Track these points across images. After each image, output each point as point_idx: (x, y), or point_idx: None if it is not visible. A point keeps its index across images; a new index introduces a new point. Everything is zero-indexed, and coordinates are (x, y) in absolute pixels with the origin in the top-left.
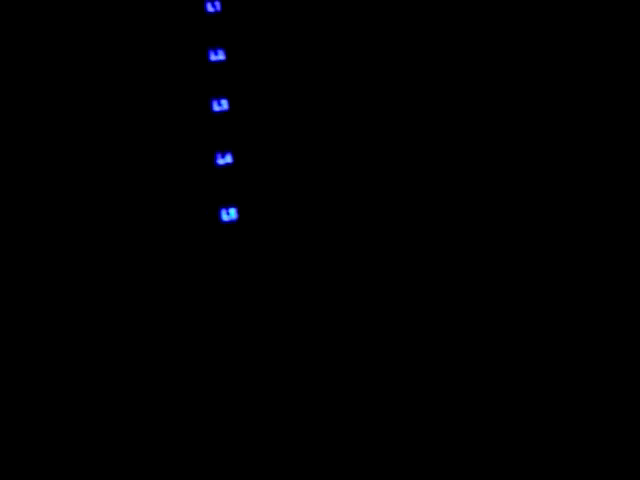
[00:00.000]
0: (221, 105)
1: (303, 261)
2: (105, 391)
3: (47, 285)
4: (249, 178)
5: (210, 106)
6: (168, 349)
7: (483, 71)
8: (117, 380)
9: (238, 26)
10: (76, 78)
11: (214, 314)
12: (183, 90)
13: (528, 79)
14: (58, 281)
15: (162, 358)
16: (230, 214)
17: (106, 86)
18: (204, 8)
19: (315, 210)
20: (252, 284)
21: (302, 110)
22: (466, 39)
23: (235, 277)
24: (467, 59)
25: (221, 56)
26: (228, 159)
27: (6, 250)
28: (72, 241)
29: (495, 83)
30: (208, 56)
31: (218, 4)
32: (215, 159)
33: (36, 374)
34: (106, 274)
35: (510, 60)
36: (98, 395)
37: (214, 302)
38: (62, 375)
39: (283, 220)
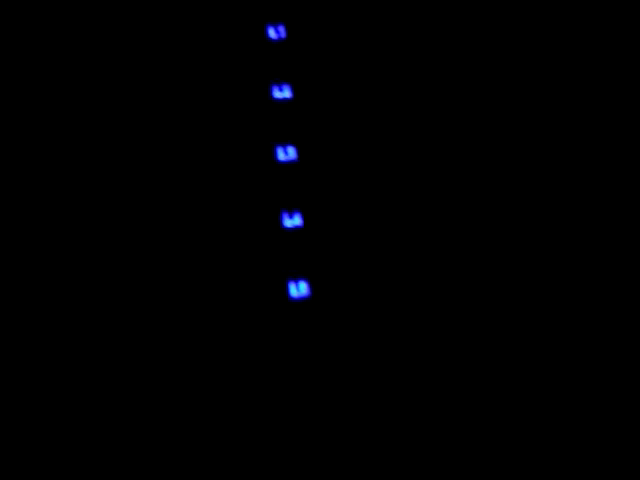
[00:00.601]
0: (287, 154)
1: (385, 347)
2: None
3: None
4: (323, 245)
5: (275, 155)
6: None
7: (500, 75)
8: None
9: (306, 57)
10: (131, 122)
11: (277, 400)
12: (244, 135)
13: (533, 80)
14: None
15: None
16: (300, 289)
17: (162, 134)
18: (266, 35)
19: (394, 279)
20: (325, 373)
21: (379, 161)
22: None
23: (305, 365)
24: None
25: (287, 93)
26: (297, 221)
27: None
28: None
29: (502, 84)
30: (271, 93)
31: (282, 30)
32: (282, 221)
33: (51, 374)
34: (169, 348)
35: (513, 61)
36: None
37: (281, 389)
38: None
39: (363, 300)
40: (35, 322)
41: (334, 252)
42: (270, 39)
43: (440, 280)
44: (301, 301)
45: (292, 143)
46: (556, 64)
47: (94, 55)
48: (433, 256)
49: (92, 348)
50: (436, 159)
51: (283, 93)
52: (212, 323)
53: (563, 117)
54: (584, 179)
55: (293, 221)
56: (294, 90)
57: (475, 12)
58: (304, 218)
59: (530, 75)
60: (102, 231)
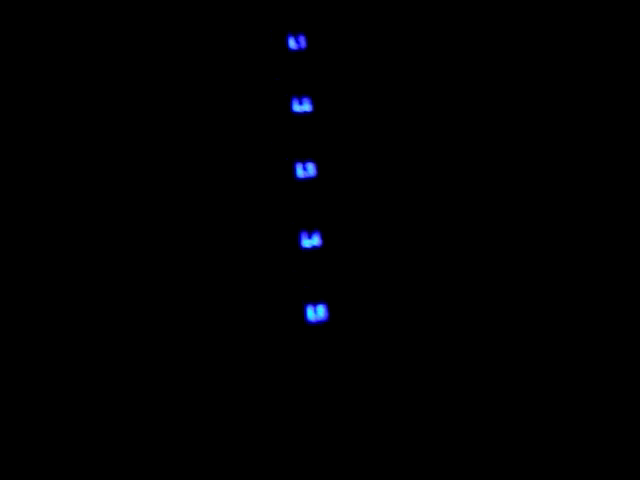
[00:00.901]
0: (307, 171)
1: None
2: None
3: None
4: (343, 267)
5: (293, 172)
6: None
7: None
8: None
9: (328, 68)
10: (143, 131)
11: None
12: (261, 151)
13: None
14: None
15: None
16: (318, 312)
17: (177, 147)
18: (286, 45)
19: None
20: (341, 401)
21: (403, 179)
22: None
23: (321, 393)
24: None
25: (307, 107)
26: (316, 241)
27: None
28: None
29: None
30: (291, 107)
31: (303, 39)
32: (300, 241)
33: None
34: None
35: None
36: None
37: (297, 414)
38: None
39: (384, 325)
40: (35, 322)
41: (355, 274)
42: (290, 49)
43: (464, 308)
44: (319, 325)
45: (312, 159)
46: (557, 64)
47: (110, 59)
48: (457, 281)
49: (102, 357)
50: (464, 181)
51: (303, 106)
52: (225, 346)
53: (564, 117)
54: (584, 179)
55: (312, 241)
56: (314, 103)
57: (495, 24)
58: (324, 238)
59: (544, 81)
60: (117, 244)
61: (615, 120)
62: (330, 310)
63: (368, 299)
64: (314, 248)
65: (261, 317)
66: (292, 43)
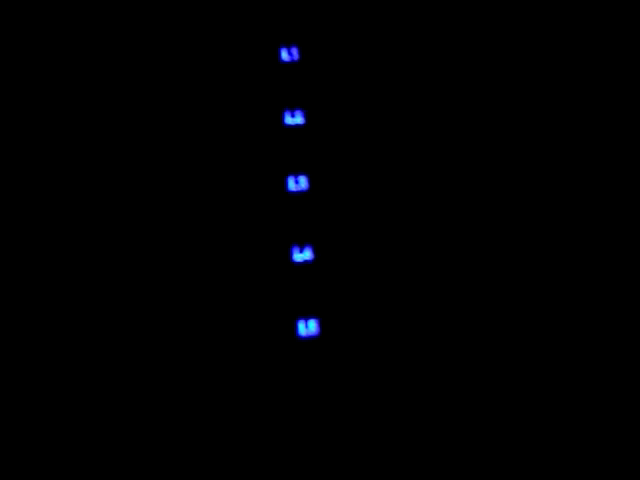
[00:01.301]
0: (299, 184)
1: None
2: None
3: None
4: (335, 282)
5: (285, 185)
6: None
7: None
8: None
9: (321, 81)
10: (144, 146)
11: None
12: (252, 164)
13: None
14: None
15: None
16: (309, 327)
17: (168, 164)
18: (278, 57)
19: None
20: (333, 414)
21: (397, 193)
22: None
23: (313, 407)
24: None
25: (299, 119)
26: (307, 255)
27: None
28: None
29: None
30: (283, 119)
31: (295, 51)
32: (291, 255)
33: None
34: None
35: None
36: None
37: (288, 430)
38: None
39: (376, 341)
40: (35, 322)
41: (347, 289)
42: (282, 61)
43: (457, 323)
44: (310, 340)
45: (304, 172)
46: (557, 64)
47: (104, 68)
48: (450, 295)
49: (99, 360)
50: (457, 195)
51: (295, 119)
52: (215, 362)
53: (564, 118)
54: (584, 180)
55: (303, 255)
56: (307, 116)
57: (493, 30)
58: (315, 252)
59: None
60: (109, 252)
61: (615, 120)
62: (322, 325)
63: (360, 314)
64: (306, 262)
65: (252, 332)
66: (285, 55)
